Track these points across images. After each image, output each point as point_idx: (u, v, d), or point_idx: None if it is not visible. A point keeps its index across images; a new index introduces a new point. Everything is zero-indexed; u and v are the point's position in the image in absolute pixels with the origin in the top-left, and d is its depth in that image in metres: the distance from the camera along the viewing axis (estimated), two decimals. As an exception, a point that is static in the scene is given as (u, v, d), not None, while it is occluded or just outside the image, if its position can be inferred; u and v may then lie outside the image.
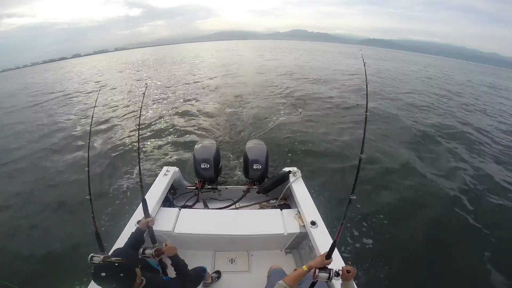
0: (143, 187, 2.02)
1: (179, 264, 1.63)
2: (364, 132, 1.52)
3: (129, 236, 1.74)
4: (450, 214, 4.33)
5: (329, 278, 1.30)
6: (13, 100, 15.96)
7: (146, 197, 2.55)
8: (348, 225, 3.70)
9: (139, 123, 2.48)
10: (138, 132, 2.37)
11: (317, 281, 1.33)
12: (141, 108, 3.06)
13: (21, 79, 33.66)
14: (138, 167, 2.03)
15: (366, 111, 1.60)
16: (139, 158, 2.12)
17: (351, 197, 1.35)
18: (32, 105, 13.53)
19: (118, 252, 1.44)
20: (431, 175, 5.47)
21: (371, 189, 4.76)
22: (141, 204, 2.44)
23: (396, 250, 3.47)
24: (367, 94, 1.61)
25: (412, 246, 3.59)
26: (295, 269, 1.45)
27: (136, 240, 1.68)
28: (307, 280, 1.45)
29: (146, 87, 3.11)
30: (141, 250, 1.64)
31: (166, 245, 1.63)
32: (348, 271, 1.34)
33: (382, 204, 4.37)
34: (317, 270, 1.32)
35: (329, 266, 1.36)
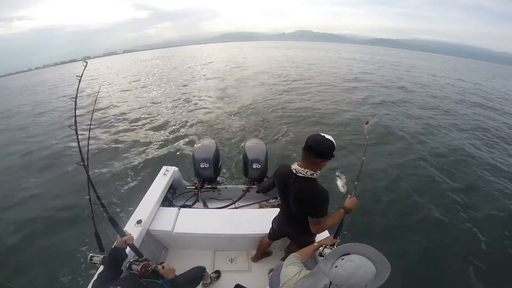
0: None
1: (179, 285, 1.54)
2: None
3: (108, 252, 1.56)
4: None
5: None
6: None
7: (145, 197, 2.56)
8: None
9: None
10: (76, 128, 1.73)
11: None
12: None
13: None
14: (88, 182, 1.64)
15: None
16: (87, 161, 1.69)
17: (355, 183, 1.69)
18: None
19: (126, 280, 1.33)
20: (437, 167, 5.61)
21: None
22: (140, 204, 2.46)
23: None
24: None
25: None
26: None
27: (116, 258, 1.51)
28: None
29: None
30: (127, 265, 1.53)
31: (163, 267, 1.48)
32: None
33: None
34: (323, 247, 1.48)
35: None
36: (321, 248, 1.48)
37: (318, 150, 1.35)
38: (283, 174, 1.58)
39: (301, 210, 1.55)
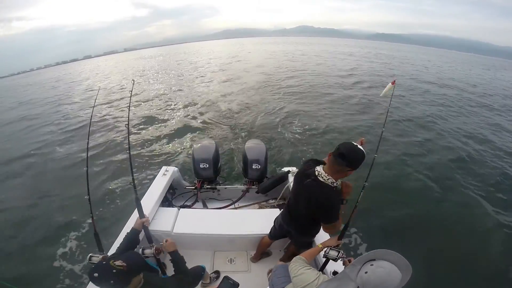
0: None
1: (178, 260, 1.60)
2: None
3: (124, 236, 1.70)
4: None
5: (337, 257, 1.44)
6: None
7: (144, 197, 2.57)
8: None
9: (128, 122, 2.42)
10: (128, 131, 2.30)
11: (329, 259, 1.51)
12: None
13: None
14: (130, 167, 2.01)
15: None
16: (130, 157, 2.08)
17: (365, 184, 1.59)
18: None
19: (129, 256, 1.34)
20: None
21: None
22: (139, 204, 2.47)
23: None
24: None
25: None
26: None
27: (132, 241, 1.66)
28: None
29: (133, 83, 2.59)
30: (140, 250, 1.62)
31: (166, 241, 1.62)
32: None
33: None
34: (328, 248, 1.47)
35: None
36: (326, 249, 1.48)
37: (351, 158, 1.31)
38: (304, 171, 1.56)
39: (311, 214, 1.57)
